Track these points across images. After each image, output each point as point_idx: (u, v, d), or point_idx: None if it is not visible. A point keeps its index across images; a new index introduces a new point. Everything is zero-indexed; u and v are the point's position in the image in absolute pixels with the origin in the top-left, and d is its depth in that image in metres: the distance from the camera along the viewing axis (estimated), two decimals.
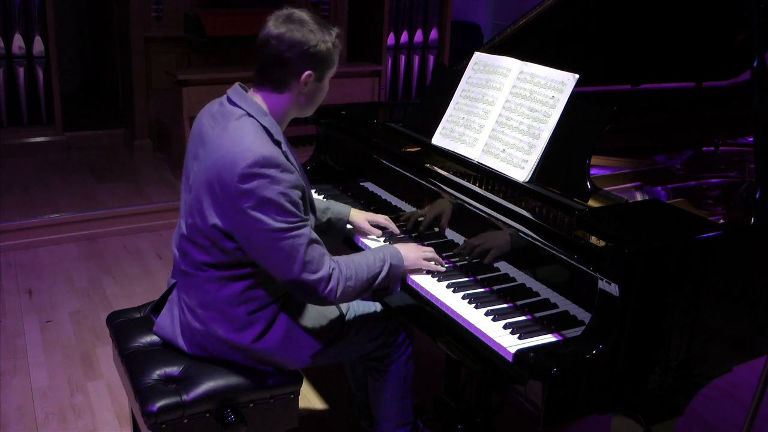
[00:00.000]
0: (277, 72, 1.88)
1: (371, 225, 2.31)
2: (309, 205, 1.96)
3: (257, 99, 1.91)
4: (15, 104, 5.33)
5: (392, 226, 2.31)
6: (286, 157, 1.87)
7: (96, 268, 4.04)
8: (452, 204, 2.14)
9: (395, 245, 2.08)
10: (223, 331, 1.95)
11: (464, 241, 2.11)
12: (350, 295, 1.93)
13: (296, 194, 1.84)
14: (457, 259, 2.12)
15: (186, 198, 1.98)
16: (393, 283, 2.02)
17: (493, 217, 1.95)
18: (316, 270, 1.85)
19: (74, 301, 3.65)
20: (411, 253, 2.04)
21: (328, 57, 1.91)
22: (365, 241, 2.29)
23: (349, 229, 2.33)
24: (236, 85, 1.95)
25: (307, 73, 1.88)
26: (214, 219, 1.86)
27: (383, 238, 2.30)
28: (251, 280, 1.94)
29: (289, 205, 1.81)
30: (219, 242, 1.88)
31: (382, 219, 2.32)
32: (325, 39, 1.88)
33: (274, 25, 1.86)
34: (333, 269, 1.88)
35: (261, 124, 1.87)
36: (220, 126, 1.89)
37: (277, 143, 1.88)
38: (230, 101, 1.93)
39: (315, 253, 1.85)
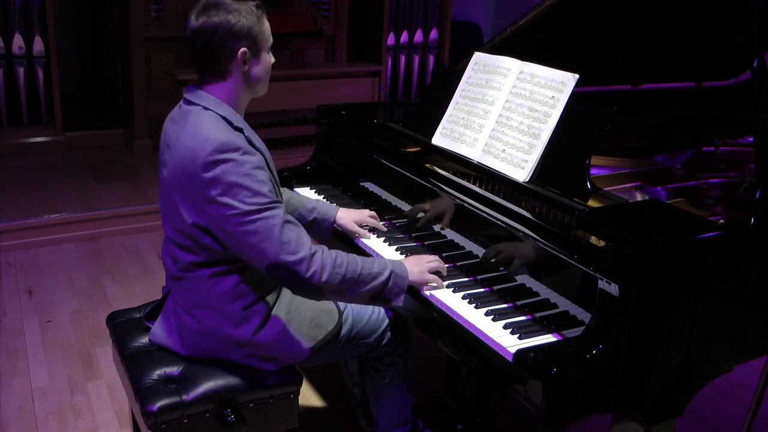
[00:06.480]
0: (213, 60, 1.88)
1: (359, 225, 2.32)
2: (277, 190, 1.93)
3: (209, 92, 1.91)
4: (15, 104, 5.33)
5: (379, 225, 2.34)
6: (251, 143, 1.86)
7: (96, 268, 4.04)
8: (452, 204, 2.14)
9: (399, 259, 2.05)
10: (222, 329, 1.94)
11: (482, 254, 2.04)
12: (339, 286, 1.86)
13: (263, 175, 1.82)
14: (454, 252, 2.12)
15: (164, 205, 1.98)
16: (395, 295, 1.95)
17: (493, 217, 1.95)
18: (295, 251, 1.80)
19: (74, 301, 3.65)
20: (415, 266, 1.99)
21: (255, 28, 1.88)
22: (367, 242, 2.29)
23: (340, 230, 2.33)
24: (190, 85, 1.96)
25: (242, 50, 1.87)
26: (191, 218, 1.86)
27: (382, 239, 2.30)
28: (242, 274, 1.93)
29: (256, 186, 1.79)
30: (199, 240, 1.88)
31: (369, 218, 2.34)
32: (247, 12, 1.86)
33: (194, 18, 1.85)
34: (316, 252, 1.84)
35: (218, 114, 1.87)
36: (180, 126, 1.90)
37: (239, 129, 1.87)
38: (186, 102, 1.93)
39: (291, 234, 1.81)
